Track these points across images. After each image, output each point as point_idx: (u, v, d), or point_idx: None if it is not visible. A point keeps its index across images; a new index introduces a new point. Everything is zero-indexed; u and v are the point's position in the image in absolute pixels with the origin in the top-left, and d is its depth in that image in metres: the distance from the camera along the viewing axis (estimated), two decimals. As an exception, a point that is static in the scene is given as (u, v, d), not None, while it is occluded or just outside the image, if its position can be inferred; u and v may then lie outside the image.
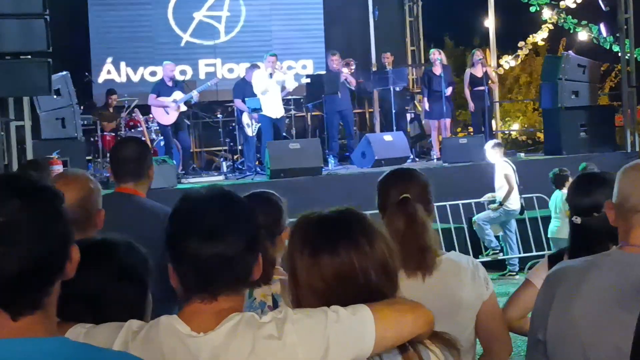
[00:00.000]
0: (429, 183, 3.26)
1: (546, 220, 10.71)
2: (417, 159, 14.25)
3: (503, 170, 10.66)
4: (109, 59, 15.99)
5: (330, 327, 1.94)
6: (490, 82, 14.43)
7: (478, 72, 14.27)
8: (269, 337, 1.93)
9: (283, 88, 13.16)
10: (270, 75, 12.82)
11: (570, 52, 14.71)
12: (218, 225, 1.99)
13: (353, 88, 14.37)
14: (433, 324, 2.11)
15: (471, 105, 14.40)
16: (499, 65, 16.35)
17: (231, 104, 14.19)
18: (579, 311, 2.24)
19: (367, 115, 16.61)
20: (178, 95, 13.00)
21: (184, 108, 13.15)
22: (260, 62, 13.48)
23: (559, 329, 2.29)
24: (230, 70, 16.47)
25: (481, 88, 14.16)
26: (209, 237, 1.97)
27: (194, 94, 13.25)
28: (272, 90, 12.81)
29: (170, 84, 13.11)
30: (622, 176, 2.36)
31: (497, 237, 10.89)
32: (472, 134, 15.42)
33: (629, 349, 2.15)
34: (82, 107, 12.97)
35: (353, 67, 14.35)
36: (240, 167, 13.64)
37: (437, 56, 14.27)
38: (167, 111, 12.97)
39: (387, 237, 2.16)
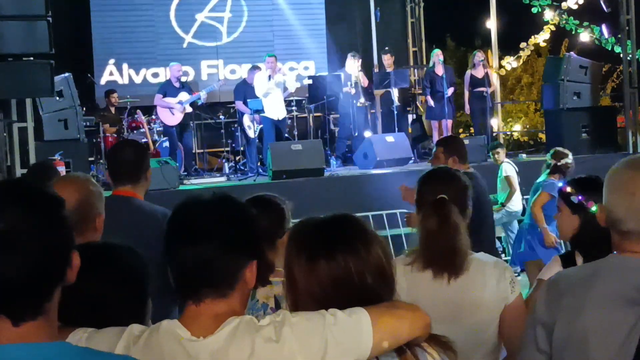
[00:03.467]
0: (468, 186, 3.28)
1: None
2: (418, 160, 14.25)
3: (505, 171, 10.65)
4: (112, 61, 16.02)
5: (328, 330, 1.96)
6: (490, 84, 14.42)
7: (479, 73, 14.29)
8: (268, 341, 1.95)
9: (285, 89, 13.17)
10: (270, 77, 12.83)
11: (572, 53, 14.71)
12: (199, 226, 2.02)
13: (365, 86, 14.31)
14: (430, 326, 2.13)
15: (467, 107, 14.42)
16: (500, 67, 16.35)
17: (233, 105, 14.21)
18: (588, 320, 2.24)
19: (369, 117, 16.62)
20: (184, 96, 13.05)
21: (189, 109, 13.19)
22: (262, 64, 13.50)
23: (566, 338, 2.29)
24: (233, 72, 16.48)
25: (482, 89, 14.19)
26: (189, 238, 2.02)
27: (202, 95, 13.28)
28: (273, 92, 12.82)
29: (177, 85, 13.17)
30: (612, 191, 2.31)
31: (499, 239, 10.88)
32: (473, 134, 15.42)
33: (633, 351, 2.17)
34: (84, 109, 12.98)
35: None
36: (242, 168, 13.66)
37: (440, 57, 14.30)
38: (173, 112, 13.02)
39: (383, 242, 2.18)
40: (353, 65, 13.90)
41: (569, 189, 3.53)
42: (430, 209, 3.06)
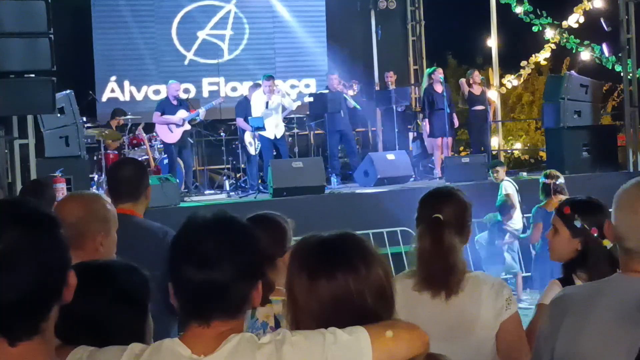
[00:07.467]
0: (469, 205, 3.27)
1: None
2: (419, 178, 14.25)
3: (505, 189, 10.65)
4: (113, 78, 16.02)
5: (327, 349, 1.96)
6: (489, 102, 14.43)
7: (477, 91, 14.29)
8: (268, 359, 1.95)
9: (284, 109, 13.20)
10: (267, 103, 12.86)
11: (572, 71, 14.74)
12: (211, 252, 2.00)
13: (352, 107, 14.36)
14: (428, 345, 2.13)
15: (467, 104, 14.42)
16: (501, 85, 16.39)
17: (234, 122, 14.22)
18: (588, 337, 2.26)
19: (370, 134, 16.65)
20: (182, 114, 13.05)
21: (187, 127, 13.19)
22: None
23: (568, 355, 2.30)
24: (234, 89, 16.51)
25: (481, 108, 14.20)
26: (201, 265, 1.99)
27: (201, 112, 13.29)
28: (270, 113, 12.87)
29: (175, 102, 13.15)
30: (619, 208, 2.34)
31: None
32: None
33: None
34: (85, 126, 12.99)
35: (357, 89, 14.37)
36: (243, 185, 13.66)
37: (440, 74, 14.31)
38: (171, 129, 13.02)
39: (384, 261, 2.18)
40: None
41: (570, 212, 3.47)
42: (425, 228, 3.09)
